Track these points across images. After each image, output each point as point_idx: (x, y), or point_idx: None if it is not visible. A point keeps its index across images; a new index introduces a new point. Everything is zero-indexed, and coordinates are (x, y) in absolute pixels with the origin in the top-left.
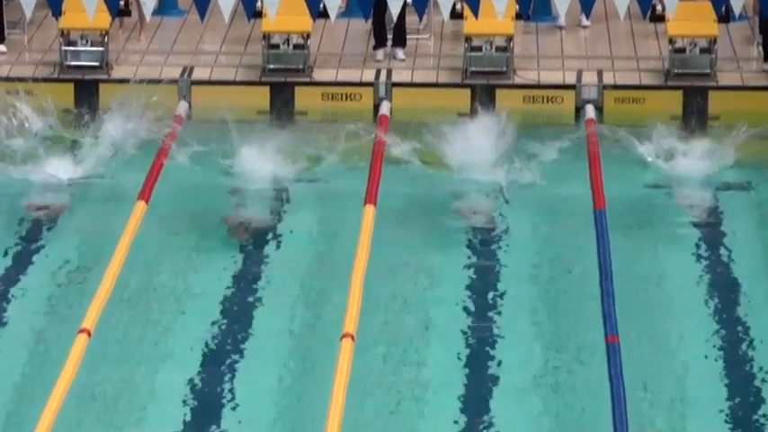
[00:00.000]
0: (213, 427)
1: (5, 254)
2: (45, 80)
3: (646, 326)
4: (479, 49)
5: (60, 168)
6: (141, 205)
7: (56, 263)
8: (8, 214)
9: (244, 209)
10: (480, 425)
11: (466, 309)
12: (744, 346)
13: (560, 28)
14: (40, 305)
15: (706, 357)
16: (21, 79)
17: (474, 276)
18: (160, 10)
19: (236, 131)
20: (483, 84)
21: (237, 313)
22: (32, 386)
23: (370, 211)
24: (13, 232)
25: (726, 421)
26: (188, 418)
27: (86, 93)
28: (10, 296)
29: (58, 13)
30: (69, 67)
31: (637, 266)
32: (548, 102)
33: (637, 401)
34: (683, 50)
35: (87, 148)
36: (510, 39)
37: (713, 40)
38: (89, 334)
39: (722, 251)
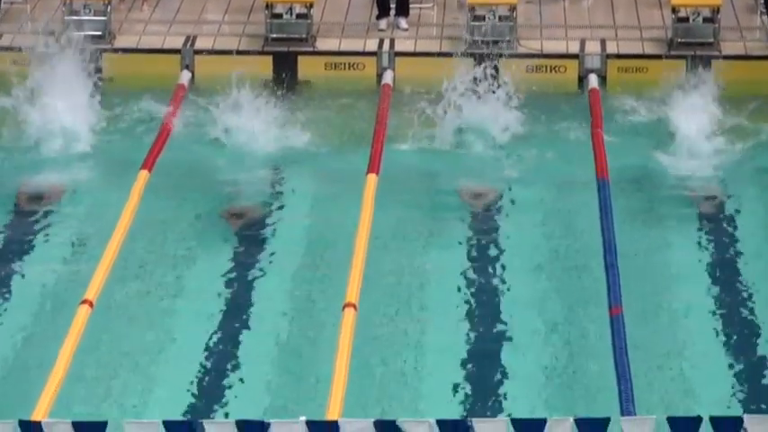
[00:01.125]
0: (218, 394)
1: (9, 225)
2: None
3: (649, 297)
4: (482, 18)
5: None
6: (144, 174)
7: (58, 235)
8: (9, 184)
9: (246, 179)
10: (482, 394)
11: (468, 278)
12: (748, 316)
13: None
14: (43, 276)
15: (710, 327)
16: (24, 49)
17: (476, 246)
18: None
19: (238, 101)
20: (486, 53)
21: (240, 281)
22: (35, 357)
23: (372, 180)
24: (13, 204)
25: (729, 392)
26: (192, 388)
27: (90, 62)
28: (13, 266)
29: None
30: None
31: (640, 237)
32: (551, 71)
33: (641, 372)
34: (686, 20)
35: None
36: (513, 8)
37: (716, 9)
38: (91, 305)
39: (725, 221)
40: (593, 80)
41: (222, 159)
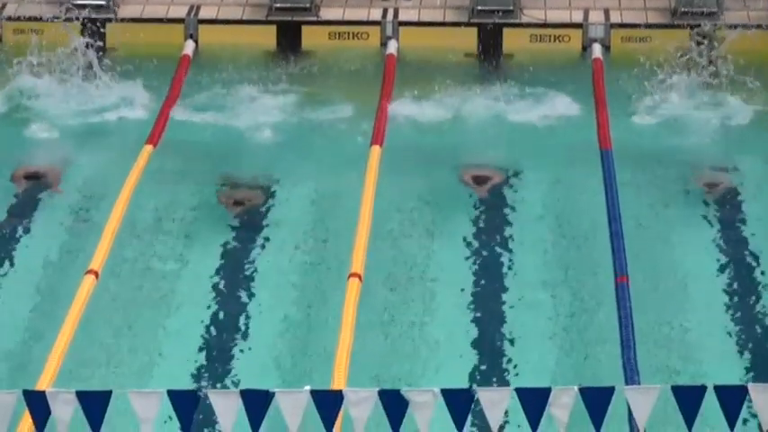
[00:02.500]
0: (222, 364)
1: (14, 196)
2: (53, 20)
3: (653, 265)
4: None
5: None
6: (148, 149)
7: (63, 204)
8: (9, 158)
9: (248, 150)
10: (487, 363)
11: (473, 248)
12: (753, 283)
13: None
14: (48, 246)
15: (715, 296)
16: (29, 19)
17: (481, 216)
18: None
19: (242, 71)
20: (490, 22)
21: (244, 252)
22: (40, 327)
23: (376, 151)
24: (11, 177)
25: (735, 360)
26: (196, 357)
27: (93, 32)
28: (17, 236)
29: None
30: (76, 6)
31: (644, 207)
32: (554, 41)
33: (646, 340)
34: None
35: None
36: None
37: None
38: (96, 275)
39: (729, 191)
40: (596, 50)
41: (225, 130)
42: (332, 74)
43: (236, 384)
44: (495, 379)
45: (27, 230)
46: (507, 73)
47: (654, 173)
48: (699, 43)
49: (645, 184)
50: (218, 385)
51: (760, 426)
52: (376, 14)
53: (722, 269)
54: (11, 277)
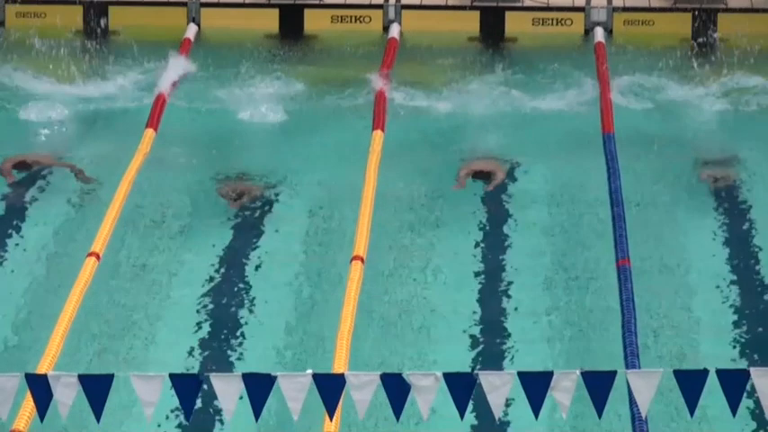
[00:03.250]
0: (225, 346)
1: (14, 179)
2: (53, 2)
3: (656, 249)
4: None
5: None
6: (150, 133)
7: (66, 186)
8: (11, 140)
9: (250, 133)
10: (489, 345)
11: (474, 233)
12: (755, 265)
13: None
14: (50, 227)
15: (716, 279)
16: (32, 1)
17: (483, 201)
18: None
19: (244, 54)
20: (492, 6)
21: (248, 235)
22: (42, 308)
23: (378, 136)
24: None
25: (735, 342)
26: (199, 336)
27: (96, 15)
28: (21, 217)
29: None
30: None
31: (646, 190)
32: (557, 24)
33: (647, 323)
34: None
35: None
36: None
37: None
38: (98, 257)
39: (732, 173)
40: (599, 33)
41: (227, 114)
42: (334, 57)
43: (237, 369)
44: (496, 364)
45: (28, 213)
46: (509, 56)
47: (655, 156)
48: (701, 27)
49: (646, 167)
50: (220, 370)
51: (758, 408)
52: None
53: (725, 252)
54: (12, 260)
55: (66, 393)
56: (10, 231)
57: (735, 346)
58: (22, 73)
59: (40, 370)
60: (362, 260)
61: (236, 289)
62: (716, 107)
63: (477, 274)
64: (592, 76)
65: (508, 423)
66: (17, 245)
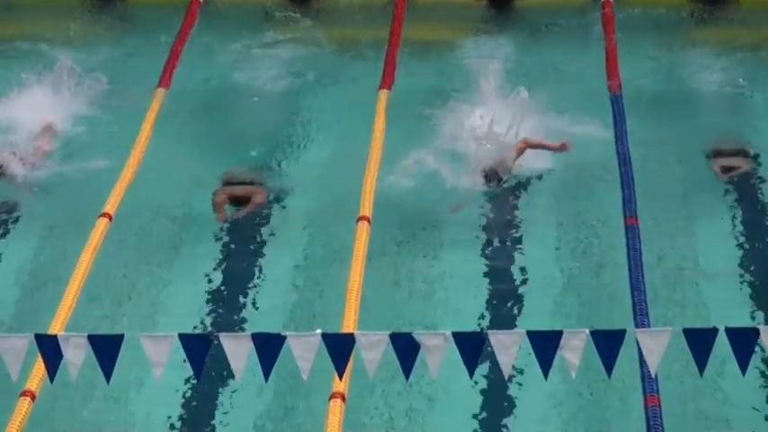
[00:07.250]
0: (231, 314)
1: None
2: None
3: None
4: None
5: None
6: (161, 92)
7: (75, 151)
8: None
9: (259, 97)
10: (497, 310)
11: (479, 197)
12: (764, 220)
13: None
14: (56, 194)
15: (725, 236)
16: None
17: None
18: None
19: (254, 17)
20: None
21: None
22: (50, 273)
23: (384, 95)
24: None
25: (745, 297)
26: (203, 309)
27: None
28: (27, 185)
29: None
30: None
31: (653, 152)
32: None
33: (654, 281)
34: None
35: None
36: None
37: None
38: (110, 218)
39: (739, 135)
40: None
41: (235, 79)
42: (341, 18)
43: (246, 329)
44: (504, 324)
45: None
46: (517, 18)
47: (664, 119)
48: None
49: (654, 129)
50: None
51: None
52: None
53: (733, 214)
54: (22, 219)
55: (76, 354)
56: (21, 193)
57: (744, 295)
58: (27, 36)
59: (52, 331)
60: (368, 220)
61: (242, 251)
62: (725, 66)
63: (486, 236)
64: (598, 36)
65: (519, 384)
66: (30, 202)
